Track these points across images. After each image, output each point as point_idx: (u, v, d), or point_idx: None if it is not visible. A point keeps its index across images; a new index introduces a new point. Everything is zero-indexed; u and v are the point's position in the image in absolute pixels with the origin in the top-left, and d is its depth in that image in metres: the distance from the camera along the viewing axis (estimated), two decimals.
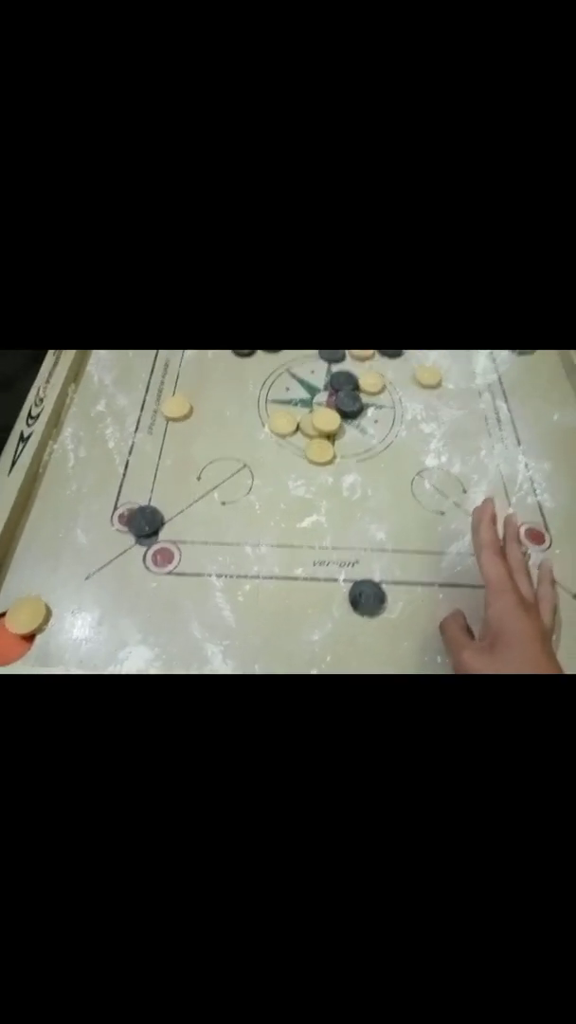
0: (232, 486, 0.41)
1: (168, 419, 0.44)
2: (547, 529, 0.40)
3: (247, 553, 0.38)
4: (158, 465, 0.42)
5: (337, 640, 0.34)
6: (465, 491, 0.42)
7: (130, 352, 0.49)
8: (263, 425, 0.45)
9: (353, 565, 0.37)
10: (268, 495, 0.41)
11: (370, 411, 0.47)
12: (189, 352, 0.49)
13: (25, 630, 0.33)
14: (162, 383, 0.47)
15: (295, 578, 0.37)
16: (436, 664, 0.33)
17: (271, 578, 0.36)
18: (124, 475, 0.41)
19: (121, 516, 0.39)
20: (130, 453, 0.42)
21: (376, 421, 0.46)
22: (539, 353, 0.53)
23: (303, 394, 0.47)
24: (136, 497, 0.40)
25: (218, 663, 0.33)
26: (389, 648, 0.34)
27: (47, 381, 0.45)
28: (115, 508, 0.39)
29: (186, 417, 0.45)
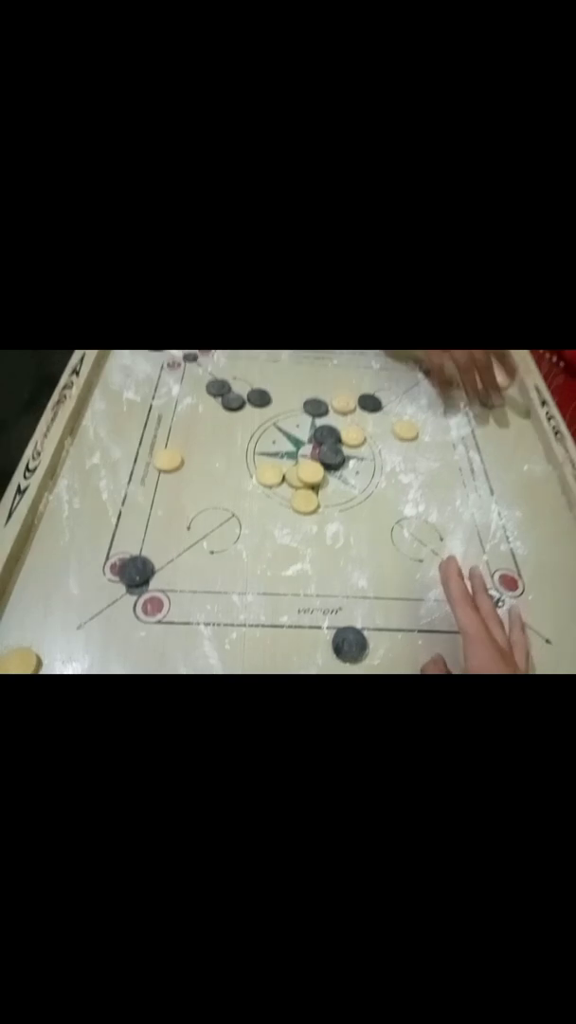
0: (221, 535, 0.43)
1: (160, 471, 0.46)
2: (520, 575, 0.42)
3: (234, 601, 0.39)
4: (150, 515, 0.43)
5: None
6: (442, 539, 0.44)
7: (124, 406, 0.52)
8: (251, 476, 0.47)
9: (336, 612, 0.39)
10: (255, 544, 0.42)
11: (351, 463, 0.49)
12: (181, 406, 0.52)
13: None
14: (155, 436, 0.49)
15: (280, 626, 0.38)
16: None
17: (257, 626, 0.38)
18: (117, 525, 0.43)
19: (113, 566, 0.40)
20: (123, 504, 0.44)
21: (357, 472, 0.49)
22: (508, 407, 0.56)
23: (289, 447, 0.50)
24: (128, 547, 0.41)
25: None
26: None
27: (45, 435, 0.47)
28: (107, 558, 0.40)
29: (177, 469, 0.47)
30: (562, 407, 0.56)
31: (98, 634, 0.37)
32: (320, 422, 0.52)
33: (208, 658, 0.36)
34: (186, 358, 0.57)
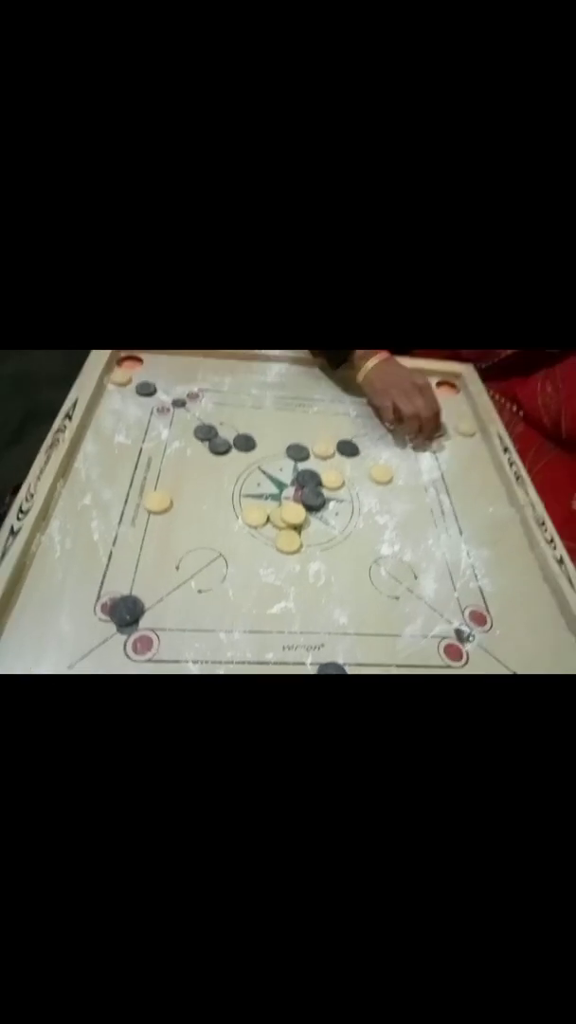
0: (208, 575, 0.45)
1: (150, 512, 0.49)
2: (488, 611, 0.46)
3: (221, 639, 0.41)
4: (140, 555, 0.45)
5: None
6: (416, 577, 0.47)
7: (116, 449, 0.54)
8: (237, 517, 0.50)
9: (319, 648, 0.41)
10: (241, 583, 0.45)
11: (331, 504, 0.53)
12: (170, 450, 0.55)
13: None
14: (144, 478, 0.52)
15: (266, 662, 0.40)
16: None
17: (244, 663, 0.40)
18: (108, 565, 0.44)
19: (104, 605, 0.41)
20: (114, 544, 0.46)
21: (337, 514, 0.52)
22: (473, 454, 0.61)
23: (272, 489, 0.53)
24: (119, 586, 0.43)
25: None
26: None
27: (38, 477, 0.49)
28: (98, 597, 0.42)
29: (167, 510, 0.49)
30: (522, 454, 0.61)
31: (90, 673, 0.38)
32: (302, 466, 0.56)
33: None
34: (175, 404, 0.60)
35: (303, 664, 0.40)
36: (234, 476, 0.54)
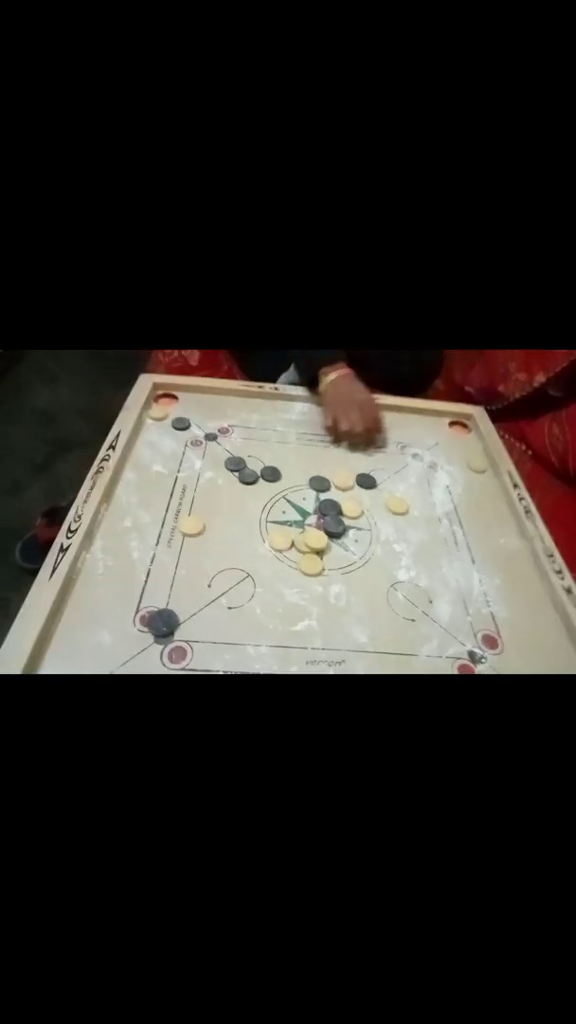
0: (237, 593, 0.48)
1: (184, 535, 0.53)
2: (499, 635, 0.48)
3: (249, 652, 0.44)
4: (175, 574, 0.49)
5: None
6: (431, 601, 0.50)
7: (153, 478, 0.59)
8: (264, 541, 0.54)
9: (340, 664, 0.44)
10: (267, 601, 0.48)
11: (351, 532, 0.57)
12: (203, 479, 0.60)
13: None
14: (180, 504, 0.56)
15: (290, 675, 0.43)
16: None
17: (270, 674, 0.43)
18: (146, 582, 0.48)
19: (142, 618, 0.45)
20: (151, 563, 0.50)
21: (356, 541, 0.56)
22: (485, 489, 0.65)
23: (296, 516, 0.57)
24: (155, 601, 0.47)
25: None
26: None
27: (84, 501, 0.54)
28: (137, 610, 0.46)
29: (200, 534, 0.53)
30: (532, 490, 0.65)
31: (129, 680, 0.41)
32: (323, 496, 0.60)
33: None
34: (207, 437, 0.66)
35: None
36: (261, 504, 0.58)
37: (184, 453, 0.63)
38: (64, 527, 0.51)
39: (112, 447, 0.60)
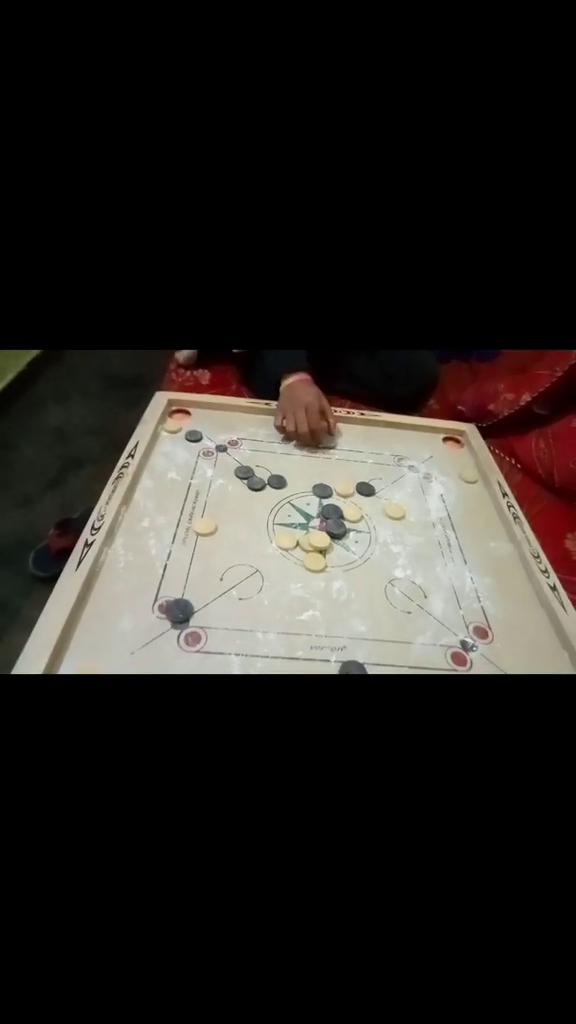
0: (247, 586, 0.52)
1: (198, 534, 0.57)
2: (489, 627, 0.52)
3: (259, 638, 0.48)
4: (189, 569, 0.53)
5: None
6: (426, 596, 0.54)
7: (168, 484, 0.64)
8: (271, 541, 0.58)
9: (342, 649, 0.48)
10: (275, 595, 0.52)
11: (351, 534, 0.61)
12: (214, 486, 0.65)
13: None
14: (193, 508, 0.61)
15: (296, 658, 0.46)
16: None
17: (278, 657, 0.46)
18: (163, 575, 0.52)
19: (161, 606, 0.49)
20: (168, 559, 0.54)
21: (356, 542, 0.60)
22: (476, 498, 0.70)
23: (301, 520, 0.62)
24: (172, 592, 0.51)
25: None
26: None
27: (107, 502, 0.58)
28: (155, 600, 0.50)
29: (212, 534, 0.58)
30: (520, 500, 0.70)
31: (148, 659, 0.45)
32: (326, 502, 0.65)
33: None
34: (218, 449, 0.71)
35: (328, 661, 0.47)
36: (268, 508, 0.63)
37: (197, 462, 0.68)
38: (88, 526, 0.55)
39: (131, 456, 0.65)
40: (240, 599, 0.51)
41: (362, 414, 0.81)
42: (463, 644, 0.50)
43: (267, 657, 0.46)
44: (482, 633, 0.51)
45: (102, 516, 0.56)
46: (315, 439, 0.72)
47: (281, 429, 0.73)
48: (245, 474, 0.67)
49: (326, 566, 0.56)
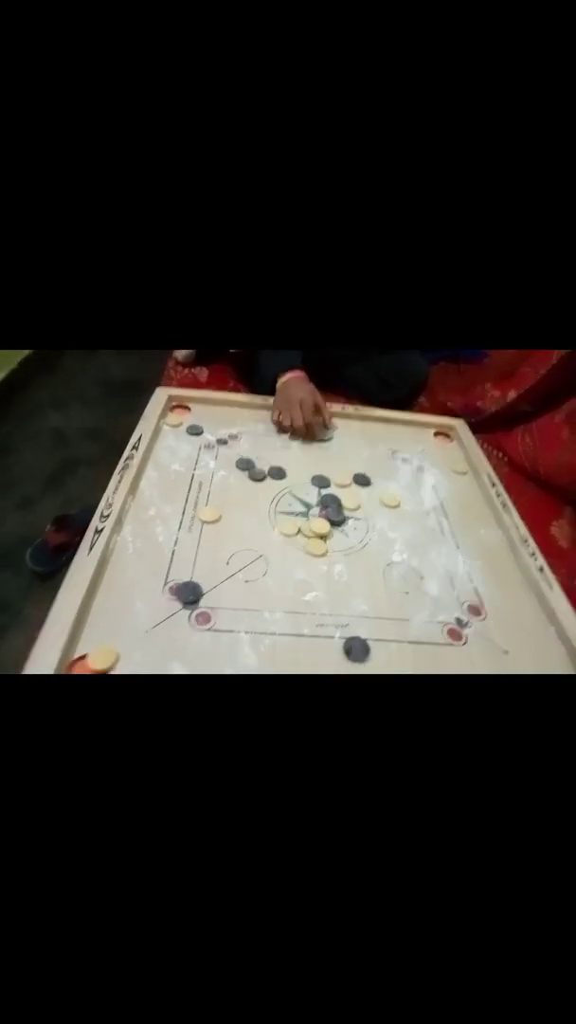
0: (252, 569, 0.55)
1: (203, 522, 0.59)
2: (482, 605, 0.55)
3: (266, 617, 0.50)
4: (197, 554, 0.55)
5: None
6: (422, 578, 0.57)
7: (172, 475, 0.66)
8: (273, 528, 0.61)
9: (345, 626, 0.50)
10: (279, 577, 0.54)
11: (350, 522, 0.64)
12: (217, 477, 0.67)
13: (101, 668, 0.43)
14: (197, 497, 0.63)
15: (302, 635, 0.49)
16: None
17: (284, 635, 0.49)
18: (171, 560, 0.54)
19: (171, 588, 0.51)
20: (175, 545, 0.56)
21: (355, 528, 0.63)
22: (467, 488, 0.73)
23: (301, 508, 0.64)
24: (181, 575, 0.53)
25: None
26: None
27: (114, 491, 0.60)
28: (165, 582, 0.52)
29: (216, 521, 0.60)
30: (508, 491, 0.73)
31: (161, 637, 0.47)
32: (325, 491, 0.67)
33: (248, 657, 0.46)
34: (219, 442, 0.73)
35: (332, 638, 0.49)
36: (270, 497, 0.65)
37: (199, 455, 0.70)
38: (96, 514, 0.57)
39: (135, 448, 0.67)
40: (246, 581, 0.53)
41: (357, 410, 0.84)
42: (458, 621, 0.53)
43: (275, 634, 0.48)
44: (475, 611, 0.54)
45: (110, 505, 0.58)
46: (310, 432, 0.75)
47: (278, 424, 0.76)
48: (246, 466, 0.69)
49: (327, 551, 0.59)
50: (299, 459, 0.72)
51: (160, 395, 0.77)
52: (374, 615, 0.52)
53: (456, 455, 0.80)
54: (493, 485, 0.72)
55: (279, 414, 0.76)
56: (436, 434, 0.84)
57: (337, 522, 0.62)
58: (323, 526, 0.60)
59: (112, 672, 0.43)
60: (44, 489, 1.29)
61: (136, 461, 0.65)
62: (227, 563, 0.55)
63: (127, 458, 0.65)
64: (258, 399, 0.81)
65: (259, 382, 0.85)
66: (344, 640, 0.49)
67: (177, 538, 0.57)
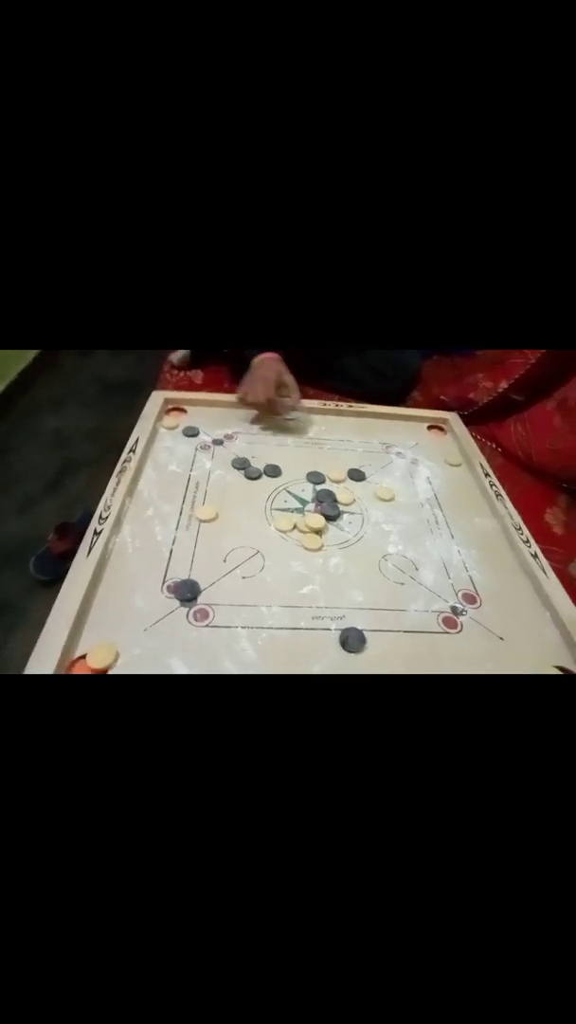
0: (249, 565, 0.56)
1: (200, 520, 0.60)
2: (477, 593, 0.56)
3: (263, 611, 0.51)
4: (194, 552, 0.56)
5: (333, 671, 0.46)
6: (417, 569, 0.58)
7: (169, 476, 0.67)
8: (269, 524, 0.61)
9: (341, 618, 0.51)
10: (276, 572, 0.55)
11: (345, 516, 0.65)
12: (213, 476, 0.68)
13: (100, 666, 0.44)
14: (195, 496, 0.64)
15: (299, 628, 0.50)
16: None
17: (282, 628, 0.50)
18: (169, 558, 0.55)
19: (169, 586, 0.52)
20: (173, 544, 0.57)
21: (350, 523, 0.64)
22: (461, 479, 0.74)
23: (297, 504, 0.65)
24: (179, 573, 0.54)
25: None
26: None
27: (112, 493, 0.61)
28: (164, 581, 0.53)
29: (214, 520, 0.61)
30: (501, 481, 0.74)
31: (160, 634, 0.48)
32: (320, 487, 0.68)
33: (246, 651, 0.47)
34: (215, 442, 0.74)
35: (328, 629, 0.50)
36: (265, 495, 0.66)
37: (195, 455, 0.71)
38: (95, 516, 0.58)
39: (132, 450, 0.68)
40: (244, 577, 0.54)
41: (350, 406, 0.85)
42: (453, 609, 0.54)
43: (272, 628, 0.49)
44: (471, 599, 0.55)
45: (109, 506, 0.59)
46: (272, 408, 0.77)
47: (242, 401, 0.78)
48: (242, 464, 0.70)
49: (323, 545, 0.59)
50: (294, 457, 0.73)
51: (156, 398, 0.79)
52: (370, 606, 0.53)
53: (450, 447, 0.81)
54: (487, 475, 0.73)
55: (243, 389, 0.78)
56: (430, 427, 0.84)
57: (332, 516, 0.63)
58: (319, 521, 0.61)
59: (112, 669, 0.44)
60: (45, 490, 1.31)
61: (133, 464, 0.66)
62: (224, 560, 0.56)
63: (124, 460, 0.67)
64: None
65: (246, 371, 0.85)
66: (340, 632, 0.49)
67: (175, 537, 0.58)
